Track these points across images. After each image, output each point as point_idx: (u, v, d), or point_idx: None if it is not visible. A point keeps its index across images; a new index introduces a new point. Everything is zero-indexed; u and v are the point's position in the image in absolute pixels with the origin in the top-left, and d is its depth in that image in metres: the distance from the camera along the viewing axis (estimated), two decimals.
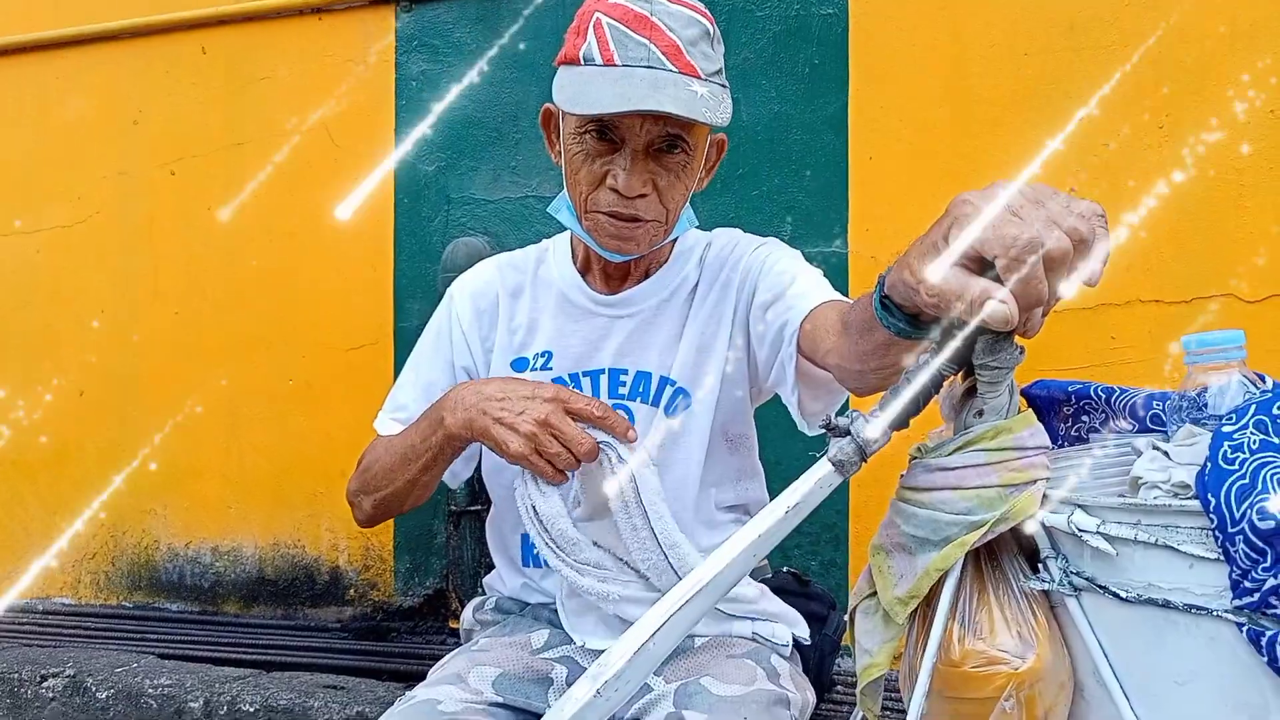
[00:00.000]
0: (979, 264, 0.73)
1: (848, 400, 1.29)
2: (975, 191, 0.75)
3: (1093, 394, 0.90)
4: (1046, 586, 0.76)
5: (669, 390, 1.30)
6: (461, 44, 2.46)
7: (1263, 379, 0.82)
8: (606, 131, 1.18)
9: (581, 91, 1.14)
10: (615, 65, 1.13)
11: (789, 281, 1.24)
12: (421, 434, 1.24)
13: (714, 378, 1.29)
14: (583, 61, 1.16)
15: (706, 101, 1.13)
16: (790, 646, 1.31)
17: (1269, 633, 0.65)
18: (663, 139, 1.17)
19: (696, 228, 1.37)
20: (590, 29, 1.17)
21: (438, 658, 1.33)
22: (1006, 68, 2.06)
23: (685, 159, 1.20)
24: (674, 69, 1.13)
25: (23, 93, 2.84)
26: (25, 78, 2.84)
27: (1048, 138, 2.03)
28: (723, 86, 1.19)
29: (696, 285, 1.33)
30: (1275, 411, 0.69)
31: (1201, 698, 0.68)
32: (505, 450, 1.14)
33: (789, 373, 1.20)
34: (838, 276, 2.15)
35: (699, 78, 1.15)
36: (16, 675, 2.03)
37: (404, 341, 2.48)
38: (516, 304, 1.37)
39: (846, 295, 2.11)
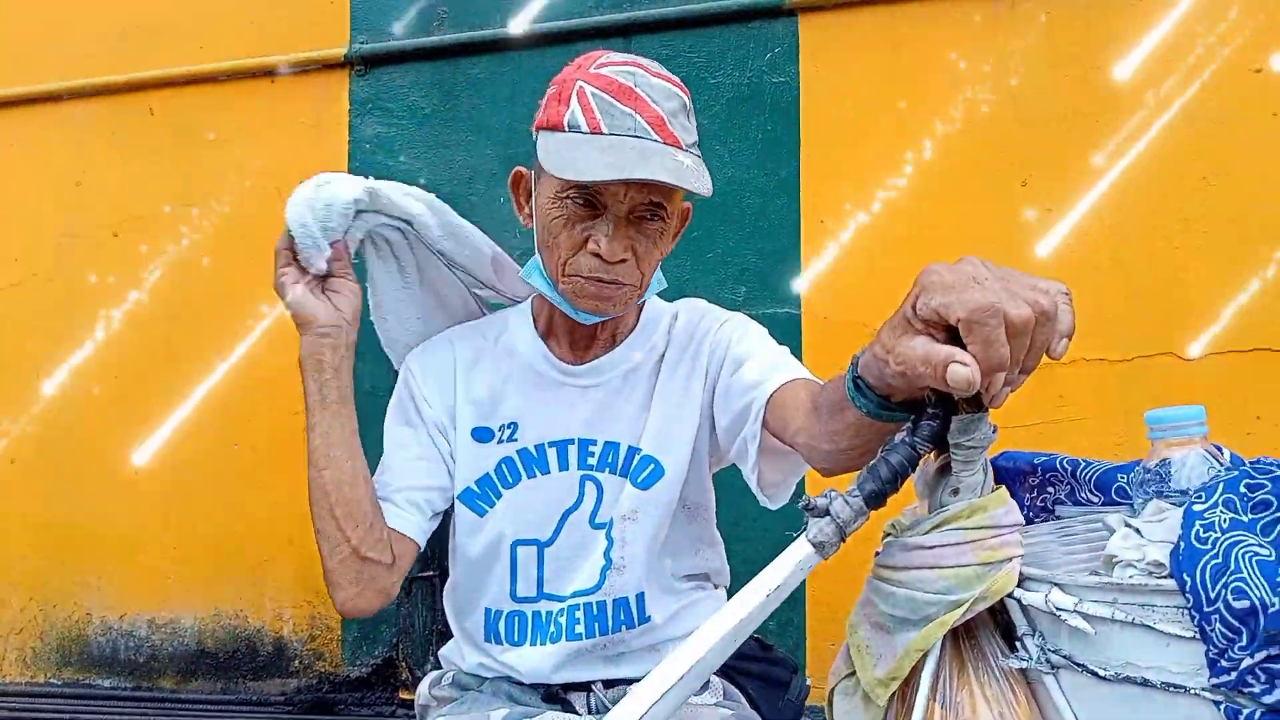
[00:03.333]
0: (945, 333, 0.75)
1: (803, 481, 1.29)
2: (942, 263, 0.77)
3: (1058, 466, 0.92)
4: (1025, 665, 0.76)
5: (637, 459, 1.29)
6: (416, 107, 2.47)
7: (1221, 450, 0.84)
8: (590, 198, 1.18)
9: (571, 158, 1.14)
10: (602, 134, 1.14)
11: (757, 358, 1.24)
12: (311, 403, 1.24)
13: (683, 448, 1.29)
14: (567, 128, 1.17)
15: (691, 171, 1.15)
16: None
17: (1245, 710, 0.66)
18: (645, 206, 1.18)
19: (662, 293, 1.38)
20: (574, 97, 1.18)
21: None
22: (952, 135, 2.13)
23: (663, 226, 1.21)
24: (659, 139, 1.15)
25: None
26: None
27: (993, 200, 2.10)
28: (699, 158, 1.21)
29: (664, 355, 1.33)
30: (1242, 490, 0.71)
31: None
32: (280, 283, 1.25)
33: (752, 449, 1.20)
34: (791, 337, 2.18)
35: (681, 148, 1.17)
36: None
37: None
38: (474, 374, 1.34)
39: (799, 355, 2.15)
